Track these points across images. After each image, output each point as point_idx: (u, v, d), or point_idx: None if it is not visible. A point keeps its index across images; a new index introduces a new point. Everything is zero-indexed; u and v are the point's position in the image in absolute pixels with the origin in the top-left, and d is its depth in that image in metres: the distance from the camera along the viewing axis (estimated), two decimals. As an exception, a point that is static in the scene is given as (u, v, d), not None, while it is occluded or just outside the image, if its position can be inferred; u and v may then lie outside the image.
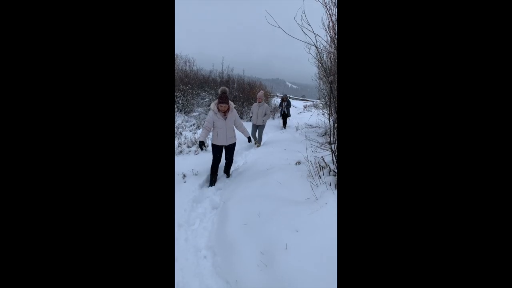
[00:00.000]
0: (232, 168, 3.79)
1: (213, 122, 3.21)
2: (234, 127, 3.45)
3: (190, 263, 1.91)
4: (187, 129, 6.31)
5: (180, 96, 8.03)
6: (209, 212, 2.70)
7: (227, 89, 3.24)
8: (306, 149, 3.29)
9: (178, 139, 5.22)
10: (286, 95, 8.21)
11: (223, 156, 3.50)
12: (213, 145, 3.38)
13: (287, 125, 8.06)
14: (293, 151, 4.14)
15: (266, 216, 2.15)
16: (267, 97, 10.86)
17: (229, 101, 3.24)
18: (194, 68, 9.98)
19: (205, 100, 9.07)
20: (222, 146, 3.36)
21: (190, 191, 3.00)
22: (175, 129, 5.99)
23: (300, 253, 1.60)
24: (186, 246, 2.10)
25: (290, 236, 1.78)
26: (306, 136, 3.93)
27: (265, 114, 5.53)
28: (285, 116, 7.89)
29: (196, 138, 5.05)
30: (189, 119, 7.59)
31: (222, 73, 10.12)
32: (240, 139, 4.54)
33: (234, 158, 3.82)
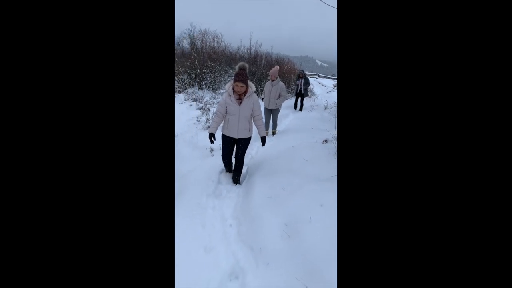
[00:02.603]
0: (243, 171, 2.98)
1: (226, 107, 2.56)
2: (252, 119, 2.66)
3: (217, 230, 2.02)
4: (214, 105, 6.42)
5: (208, 73, 8.08)
6: (235, 184, 2.80)
7: (246, 65, 2.55)
8: (335, 127, 3.19)
9: (206, 114, 5.36)
10: (302, 71, 7.15)
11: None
12: (222, 136, 2.68)
13: (303, 107, 6.93)
14: (320, 130, 4.04)
15: (290, 190, 2.18)
16: (295, 74, 10.48)
17: (249, 82, 2.53)
18: (222, 44, 9.82)
19: (232, 78, 9.05)
20: (233, 138, 2.66)
21: (217, 164, 3.11)
22: (203, 105, 6.12)
23: (324, 226, 1.62)
24: (214, 214, 2.22)
25: (314, 210, 1.80)
26: (334, 115, 3.79)
27: (279, 96, 4.32)
28: (300, 95, 6.78)
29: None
30: (216, 96, 7.68)
31: (250, 49, 9.89)
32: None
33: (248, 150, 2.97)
